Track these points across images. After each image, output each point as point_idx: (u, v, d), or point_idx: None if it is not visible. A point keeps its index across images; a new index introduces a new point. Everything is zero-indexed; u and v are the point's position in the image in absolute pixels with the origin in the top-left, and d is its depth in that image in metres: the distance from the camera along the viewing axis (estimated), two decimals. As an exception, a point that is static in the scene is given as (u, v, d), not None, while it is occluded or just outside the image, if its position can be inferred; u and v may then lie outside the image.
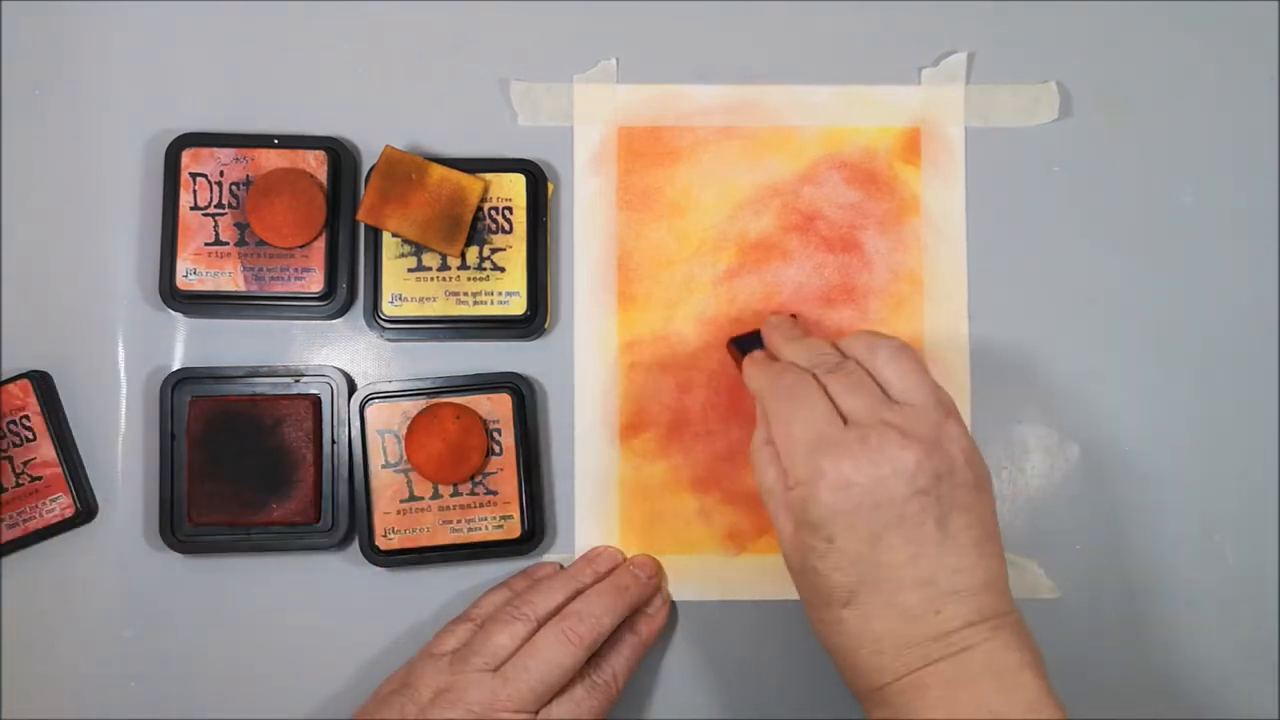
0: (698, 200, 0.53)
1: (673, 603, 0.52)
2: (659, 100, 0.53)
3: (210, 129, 0.52)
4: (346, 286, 0.51)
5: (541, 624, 0.47)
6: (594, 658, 0.47)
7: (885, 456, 0.40)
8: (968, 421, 0.52)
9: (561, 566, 0.51)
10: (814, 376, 0.43)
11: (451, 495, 0.50)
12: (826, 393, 0.43)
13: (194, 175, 0.51)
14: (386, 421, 0.51)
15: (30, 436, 0.50)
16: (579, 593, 0.48)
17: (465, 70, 0.53)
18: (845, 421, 0.42)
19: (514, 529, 0.50)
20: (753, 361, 0.47)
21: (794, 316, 0.50)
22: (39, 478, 0.50)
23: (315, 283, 0.51)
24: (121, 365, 0.52)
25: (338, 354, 0.53)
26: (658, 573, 0.51)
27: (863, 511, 0.40)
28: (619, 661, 0.48)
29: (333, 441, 0.51)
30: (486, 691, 0.44)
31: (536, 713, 0.45)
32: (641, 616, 0.50)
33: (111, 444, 0.52)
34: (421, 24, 0.53)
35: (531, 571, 0.51)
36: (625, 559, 0.51)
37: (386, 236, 0.51)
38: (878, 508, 0.40)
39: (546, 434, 0.52)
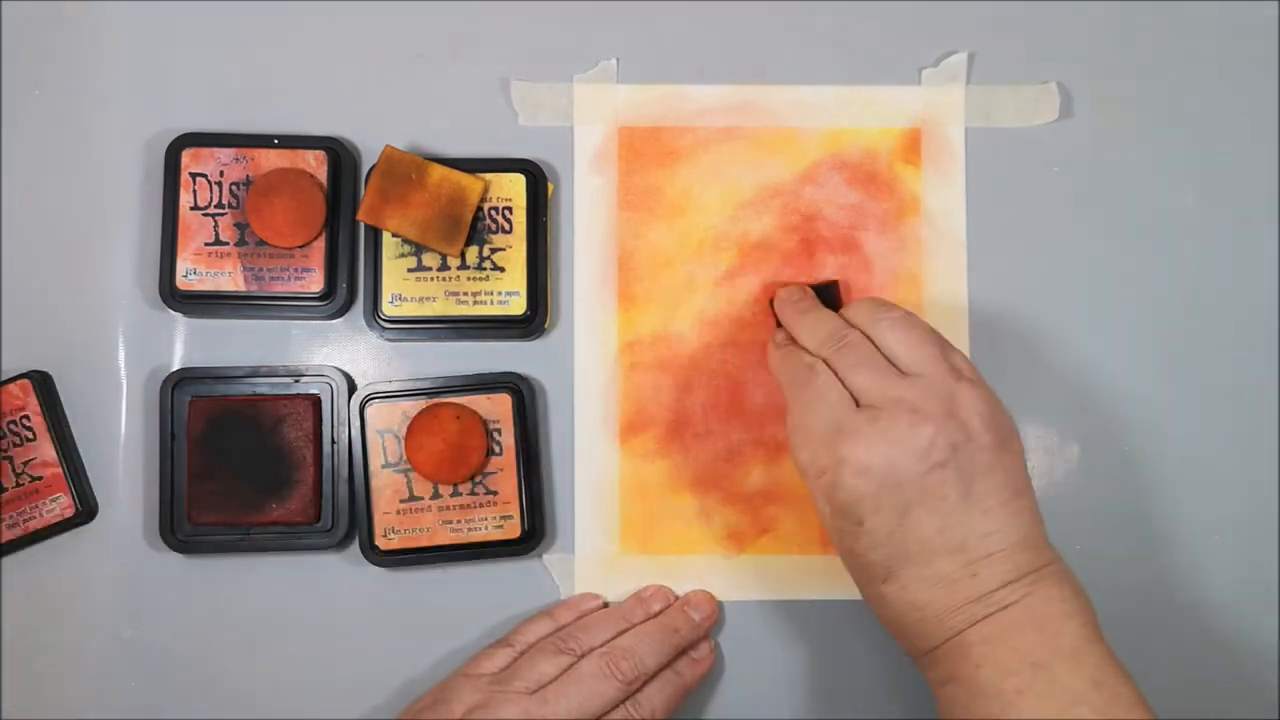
0: (698, 200, 0.53)
1: (718, 648, 0.51)
2: (660, 100, 0.53)
3: (210, 129, 0.52)
4: (346, 286, 0.51)
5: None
6: (633, 693, 0.47)
7: (896, 436, 0.41)
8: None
9: (606, 603, 0.51)
10: (824, 360, 0.44)
11: (451, 495, 0.50)
12: (837, 374, 0.44)
13: (194, 175, 0.51)
14: (386, 421, 0.51)
15: (30, 436, 0.50)
16: (625, 630, 0.48)
17: (465, 70, 0.53)
18: (858, 402, 0.43)
19: (514, 529, 0.50)
20: (773, 345, 0.48)
21: (804, 287, 0.51)
22: (39, 478, 0.50)
23: (315, 283, 0.51)
24: (121, 365, 0.52)
25: (338, 354, 0.53)
26: (713, 612, 0.51)
27: (885, 492, 0.41)
28: (658, 700, 0.47)
29: (333, 441, 0.51)
30: (520, 711, 0.44)
31: None
32: (686, 659, 0.49)
33: (111, 444, 0.52)
34: (421, 24, 0.53)
35: (575, 603, 0.51)
36: (678, 598, 0.51)
37: (386, 236, 0.51)
38: (899, 487, 0.41)
39: (546, 434, 0.52)
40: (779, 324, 0.49)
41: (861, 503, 0.42)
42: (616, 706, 0.46)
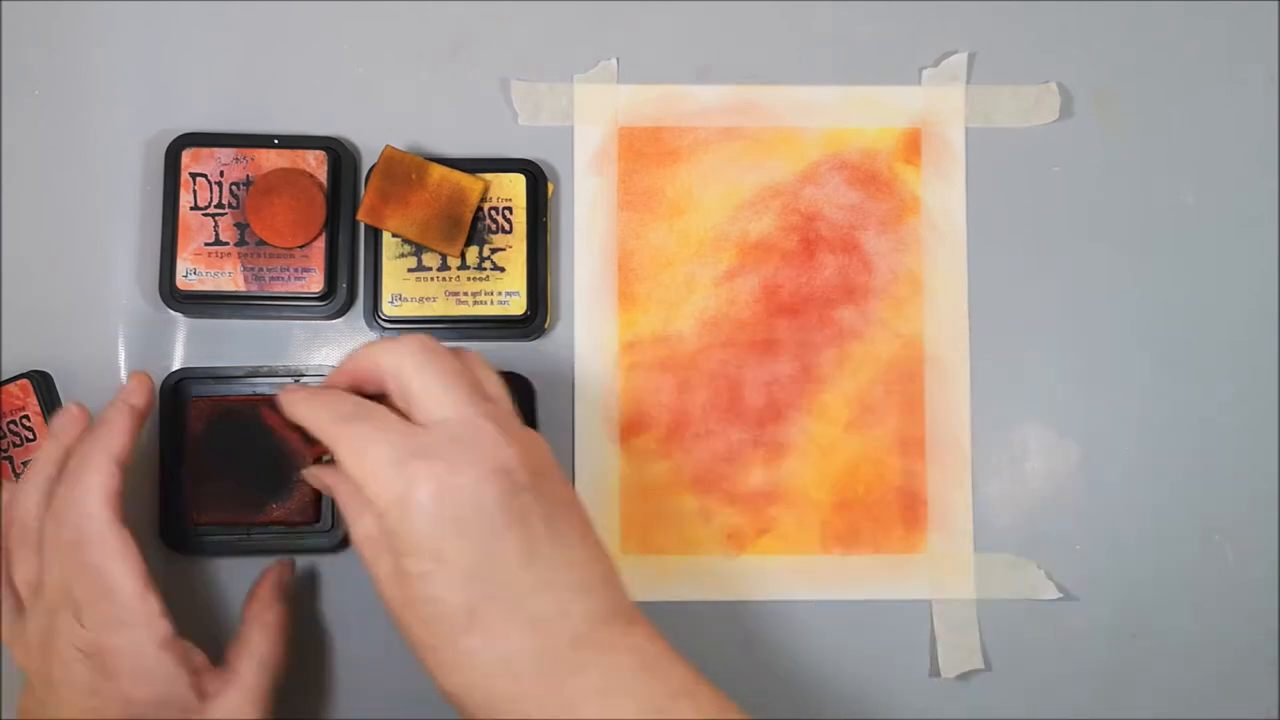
0: (698, 201, 0.53)
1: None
2: (660, 100, 0.53)
3: (210, 129, 0.52)
4: (346, 286, 0.51)
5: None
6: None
7: (483, 453, 0.37)
8: (967, 422, 0.52)
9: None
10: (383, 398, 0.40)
11: (451, 495, 0.50)
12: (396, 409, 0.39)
13: (194, 175, 0.51)
14: (386, 421, 0.50)
15: (30, 436, 0.50)
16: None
17: (465, 70, 0.53)
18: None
19: (514, 529, 0.50)
20: (291, 393, 0.41)
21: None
22: (39, 478, 0.50)
23: (315, 283, 0.51)
24: (121, 365, 0.52)
25: (338, 354, 0.53)
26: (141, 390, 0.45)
27: (469, 517, 0.37)
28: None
29: (333, 441, 0.51)
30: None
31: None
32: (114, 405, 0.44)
33: (111, 444, 0.52)
34: (421, 24, 0.53)
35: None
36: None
37: (386, 236, 0.51)
38: (482, 510, 0.37)
39: (546, 434, 0.52)
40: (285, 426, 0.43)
41: (442, 530, 0.36)
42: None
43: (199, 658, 0.43)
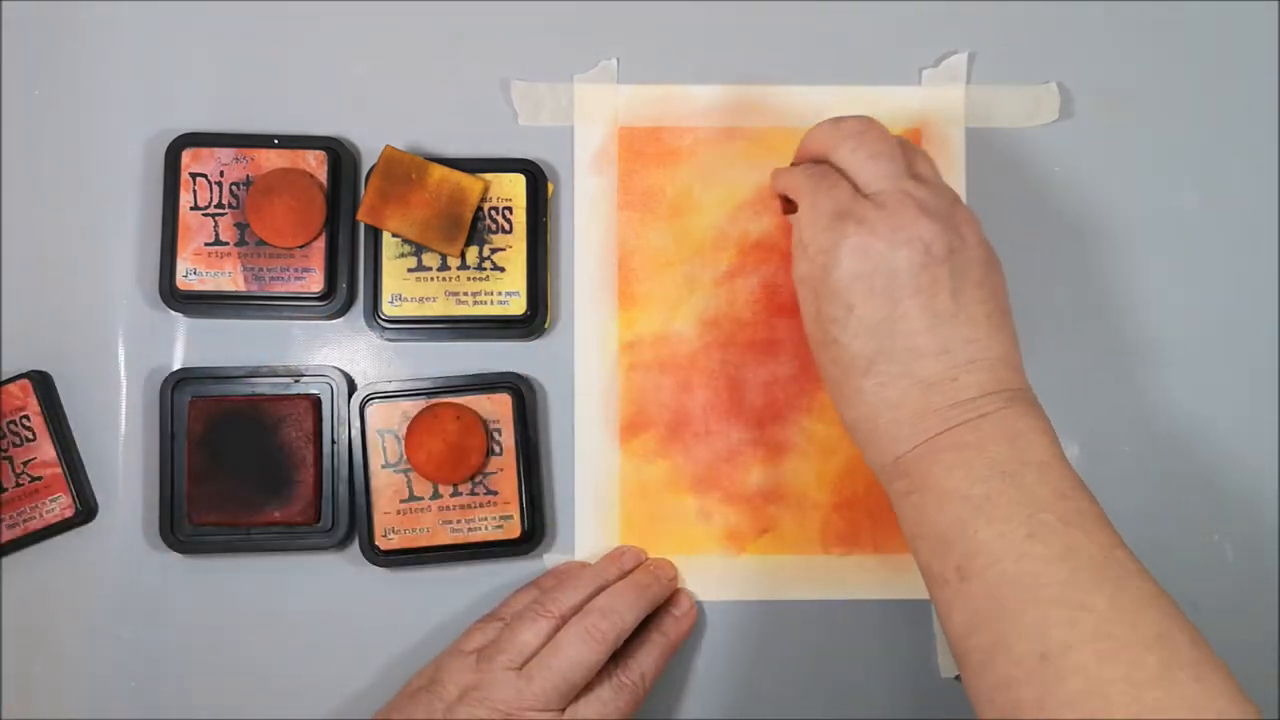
0: (698, 200, 0.53)
1: (701, 606, 0.52)
2: (660, 100, 0.53)
3: (210, 129, 0.52)
4: (346, 286, 0.51)
5: (565, 620, 0.47)
6: (622, 657, 0.48)
7: (902, 223, 0.41)
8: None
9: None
10: (837, 162, 0.45)
11: (451, 495, 0.50)
12: (848, 173, 0.44)
13: (194, 175, 0.51)
14: (386, 421, 0.51)
15: (30, 436, 0.50)
16: (603, 589, 0.49)
17: (465, 70, 0.53)
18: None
19: (514, 529, 0.50)
20: (779, 169, 0.48)
21: None
22: (39, 478, 0.50)
23: (315, 283, 0.51)
24: (121, 365, 0.52)
25: (338, 354, 0.53)
26: (676, 575, 0.52)
27: (880, 277, 0.41)
28: (646, 661, 0.48)
29: (333, 441, 0.51)
30: (511, 690, 0.45)
31: (563, 710, 0.46)
32: (669, 618, 0.50)
33: (111, 444, 0.52)
34: (421, 24, 0.53)
35: (559, 570, 0.51)
36: (647, 558, 0.52)
37: (386, 236, 0.51)
38: (895, 274, 0.41)
39: (546, 434, 0.52)
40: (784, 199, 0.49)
41: (855, 284, 0.41)
42: (603, 669, 0.46)
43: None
